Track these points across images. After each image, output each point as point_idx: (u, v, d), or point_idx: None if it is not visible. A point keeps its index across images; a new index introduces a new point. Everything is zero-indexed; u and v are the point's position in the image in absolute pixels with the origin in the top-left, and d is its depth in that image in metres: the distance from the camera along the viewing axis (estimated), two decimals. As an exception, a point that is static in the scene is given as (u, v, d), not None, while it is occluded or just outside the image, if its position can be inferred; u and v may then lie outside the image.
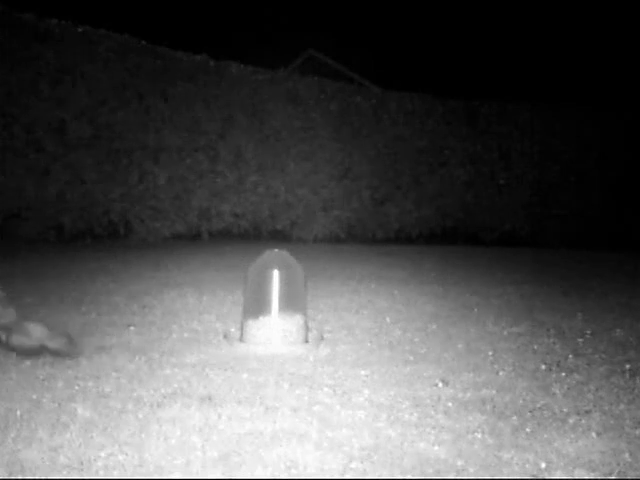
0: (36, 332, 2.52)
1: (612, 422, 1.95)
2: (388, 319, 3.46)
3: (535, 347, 2.90)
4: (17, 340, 2.48)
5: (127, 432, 1.78)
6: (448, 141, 10.33)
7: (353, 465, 1.60)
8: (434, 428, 1.86)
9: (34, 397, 2.04)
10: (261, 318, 2.79)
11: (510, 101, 10.72)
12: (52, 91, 6.95)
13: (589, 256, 7.90)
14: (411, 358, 2.66)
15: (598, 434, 1.84)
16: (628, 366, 2.58)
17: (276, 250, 2.92)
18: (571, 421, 1.95)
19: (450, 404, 2.08)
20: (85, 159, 7.18)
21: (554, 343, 2.99)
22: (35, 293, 3.87)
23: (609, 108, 10.88)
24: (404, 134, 9.98)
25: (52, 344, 2.50)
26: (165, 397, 2.08)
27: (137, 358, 2.54)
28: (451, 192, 10.39)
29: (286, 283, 2.81)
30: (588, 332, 3.21)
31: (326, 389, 2.21)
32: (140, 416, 1.90)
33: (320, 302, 3.84)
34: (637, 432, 1.87)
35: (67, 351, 2.48)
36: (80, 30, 7.26)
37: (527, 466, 1.63)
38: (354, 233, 9.81)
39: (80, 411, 1.93)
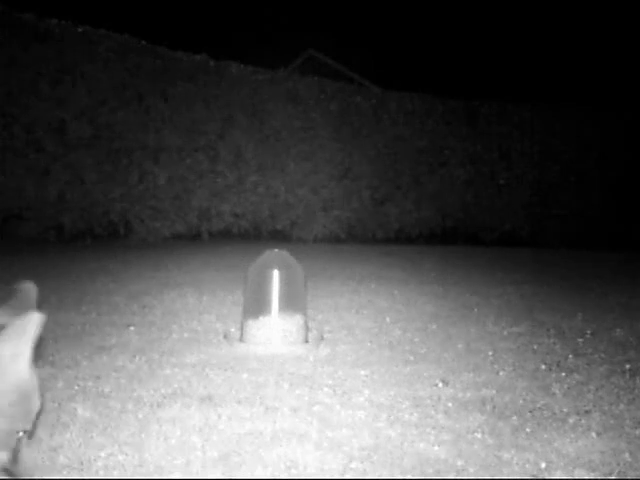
0: None
1: (612, 422, 1.95)
2: (388, 319, 3.46)
3: (535, 347, 2.90)
4: None
5: (127, 432, 1.78)
6: (448, 141, 10.33)
7: (353, 465, 1.60)
8: (434, 428, 1.86)
9: (34, 397, 2.03)
10: (261, 318, 2.79)
11: (510, 101, 10.72)
12: (52, 91, 6.95)
13: (589, 256, 7.90)
14: (411, 358, 2.66)
15: (598, 434, 1.84)
16: (628, 366, 2.58)
17: (276, 250, 2.92)
18: (571, 421, 1.95)
19: (450, 404, 2.08)
20: (85, 159, 7.19)
21: (554, 343, 2.99)
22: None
23: (609, 108, 10.89)
24: (404, 134, 9.98)
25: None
26: (165, 397, 2.08)
27: (137, 358, 2.54)
28: (451, 192, 10.39)
29: (286, 283, 2.81)
30: (588, 332, 3.21)
31: (326, 389, 2.21)
32: (140, 416, 1.90)
33: (320, 302, 3.84)
34: (637, 432, 1.87)
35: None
36: (80, 30, 7.26)
37: (527, 466, 1.63)
38: (354, 233, 9.81)
39: (80, 411, 1.93)
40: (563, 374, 2.46)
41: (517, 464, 1.64)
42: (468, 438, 1.80)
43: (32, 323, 1.25)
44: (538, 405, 2.09)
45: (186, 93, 8.01)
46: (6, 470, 1.32)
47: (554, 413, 2.02)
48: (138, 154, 7.66)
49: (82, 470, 1.54)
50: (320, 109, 9.29)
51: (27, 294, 1.31)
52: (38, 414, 1.34)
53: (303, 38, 19.62)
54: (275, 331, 2.77)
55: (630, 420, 1.97)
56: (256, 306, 2.82)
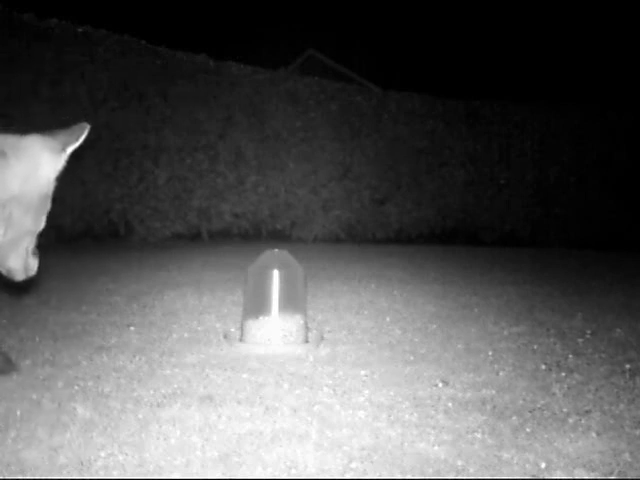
0: None
1: (612, 422, 1.95)
2: (388, 319, 3.46)
3: (535, 347, 2.90)
4: None
5: (127, 432, 1.78)
6: (448, 141, 10.33)
7: (353, 465, 1.60)
8: (434, 428, 1.86)
9: (34, 397, 2.04)
10: (261, 318, 2.79)
11: (510, 101, 10.73)
12: (52, 91, 6.95)
13: (589, 256, 7.90)
14: (411, 358, 2.66)
15: (598, 434, 1.84)
16: (628, 366, 2.58)
17: (276, 250, 2.92)
18: (571, 421, 1.94)
19: (450, 404, 2.08)
20: (85, 159, 7.18)
21: (554, 343, 2.99)
22: (35, 293, 3.87)
23: (609, 108, 10.89)
24: (404, 134, 9.99)
25: None
26: (165, 397, 2.08)
27: (137, 358, 2.54)
28: (451, 192, 10.40)
29: (286, 283, 2.81)
30: (588, 332, 3.21)
31: (326, 389, 2.21)
32: (140, 416, 1.90)
33: (320, 302, 3.84)
34: (637, 432, 1.87)
35: (1, 368, 2.32)
36: (80, 30, 7.26)
37: (527, 466, 1.63)
38: (354, 233, 9.81)
39: (80, 411, 1.93)
40: (563, 374, 2.46)
41: (517, 464, 1.64)
42: (468, 438, 1.80)
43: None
44: (538, 405, 2.09)
45: (186, 93, 8.01)
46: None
47: (554, 413, 2.02)
48: (138, 154, 7.66)
49: (82, 470, 1.54)
50: (320, 109, 9.29)
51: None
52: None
53: (303, 38, 19.63)
54: (275, 331, 2.77)
55: (630, 420, 1.97)
56: (256, 306, 2.82)
